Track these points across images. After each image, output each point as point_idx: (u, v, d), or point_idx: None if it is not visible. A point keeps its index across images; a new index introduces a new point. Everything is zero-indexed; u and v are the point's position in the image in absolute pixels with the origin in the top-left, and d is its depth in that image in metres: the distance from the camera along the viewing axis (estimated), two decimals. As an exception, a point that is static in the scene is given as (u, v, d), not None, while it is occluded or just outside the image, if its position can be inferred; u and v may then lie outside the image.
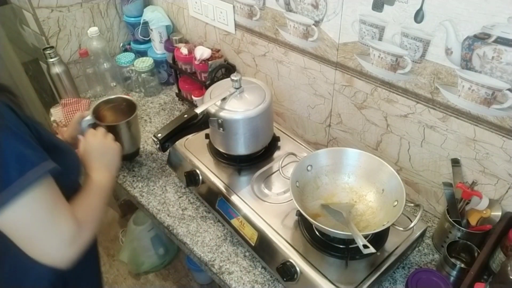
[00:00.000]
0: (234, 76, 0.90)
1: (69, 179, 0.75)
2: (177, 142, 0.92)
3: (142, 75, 1.41)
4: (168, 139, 0.84)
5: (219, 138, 0.96)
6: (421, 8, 0.76)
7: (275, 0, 1.00)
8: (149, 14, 1.39)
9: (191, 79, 1.33)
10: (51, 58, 1.26)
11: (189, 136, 1.05)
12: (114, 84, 1.48)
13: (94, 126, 0.97)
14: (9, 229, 0.60)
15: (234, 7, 1.14)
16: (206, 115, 0.90)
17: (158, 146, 0.82)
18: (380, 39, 0.86)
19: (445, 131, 0.86)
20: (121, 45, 1.59)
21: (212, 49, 1.23)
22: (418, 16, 0.78)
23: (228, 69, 1.25)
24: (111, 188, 0.83)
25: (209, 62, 1.20)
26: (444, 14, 0.74)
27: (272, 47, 1.10)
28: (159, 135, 0.82)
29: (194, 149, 1.04)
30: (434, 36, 0.77)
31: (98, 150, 0.87)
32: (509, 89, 0.73)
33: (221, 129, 0.91)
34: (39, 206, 0.61)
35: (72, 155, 0.79)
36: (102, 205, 0.78)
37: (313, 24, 0.95)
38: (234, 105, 0.91)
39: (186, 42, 1.39)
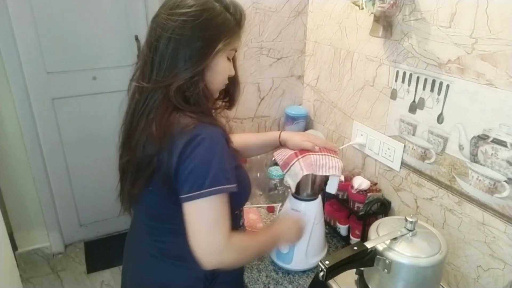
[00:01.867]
0: (410, 218, 0.86)
1: (239, 200, 0.94)
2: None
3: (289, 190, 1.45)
4: (334, 269, 0.79)
5: (378, 279, 0.88)
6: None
7: (459, 148, 0.98)
8: (310, 137, 1.48)
9: (339, 204, 1.32)
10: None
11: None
12: (260, 193, 1.55)
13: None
14: (192, 215, 0.81)
15: (405, 146, 1.14)
16: (374, 252, 0.84)
17: (323, 273, 0.78)
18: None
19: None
20: (273, 158, 1.70)
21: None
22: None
23: (384, 205, 1.21)
24: (269, 251, 1.11)
25: (368, 194, 1.18)
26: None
27: (442, 193, 1.04)
28: (327, 262, 0.79)
29: (340, 282, 0.97)
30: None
31: (294, 224, 1.06)
32: (505, 181, 0.88)
33: (386, 270, 0.84)
34: (208, 212, 0.81)
35: (247, 183, 0.98)
36: (257, 251, 0.98)
37: (505, 181, 0.88)
38: (404, 247, 0.84)
39: (340, 168, 1.42)
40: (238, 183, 0.87)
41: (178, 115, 0.83)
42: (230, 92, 1.00)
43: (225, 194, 0.83)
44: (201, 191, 0.79)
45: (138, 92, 0.88)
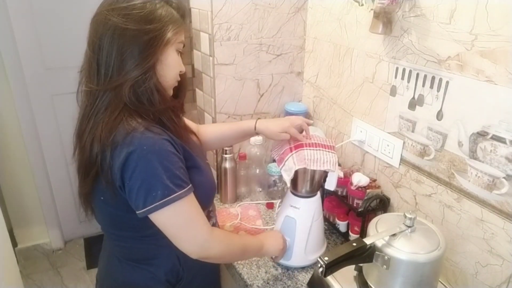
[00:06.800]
0: (409, 214, 0.86)
1: (202, 200, 0.89)
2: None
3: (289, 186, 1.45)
4: (333, 266, 0.80)
5: (377, 275, 0.89)
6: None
7: (458, 145, 0.98)
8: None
9: (338, 201, 1.32)
10: (226, 154, 1.44)
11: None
12: (260, 189, 1.55)
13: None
14: (162, 224, 0.83)
15: (404, 143, 1.15)
16: (373, 248, 0.85)
17: (322, 270, 0.79)
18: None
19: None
20: (271, 155, 1.70)
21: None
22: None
23: (383, 201, 1.21)
24: (249, 256, 1.13)
25: (367, 191, 1.18)
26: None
27: (441, 189, 1.05)
28: (326, 258, 0.79)
29: (339, 278, 0.98)
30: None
31: (278, 239, 1.08)
32: (504, 178, 0.88)
33: (385, 266, 0.84)
34: (178, 216, 0.83)
35: (207, 183, 0.97)
36: (241, 250, 0.97)
37: (504, 178, 0.88)
38: (403, 243, 0.85)
39: (339, 165, 1.42)
40: (198, 185, 0.87)
41: (126, 116, 0.81)
42: (177, 93, 0.97)
43: (187, 195, 0.83)
44: (156, 204, 0.79)
45: (86, 96, 0.85)
